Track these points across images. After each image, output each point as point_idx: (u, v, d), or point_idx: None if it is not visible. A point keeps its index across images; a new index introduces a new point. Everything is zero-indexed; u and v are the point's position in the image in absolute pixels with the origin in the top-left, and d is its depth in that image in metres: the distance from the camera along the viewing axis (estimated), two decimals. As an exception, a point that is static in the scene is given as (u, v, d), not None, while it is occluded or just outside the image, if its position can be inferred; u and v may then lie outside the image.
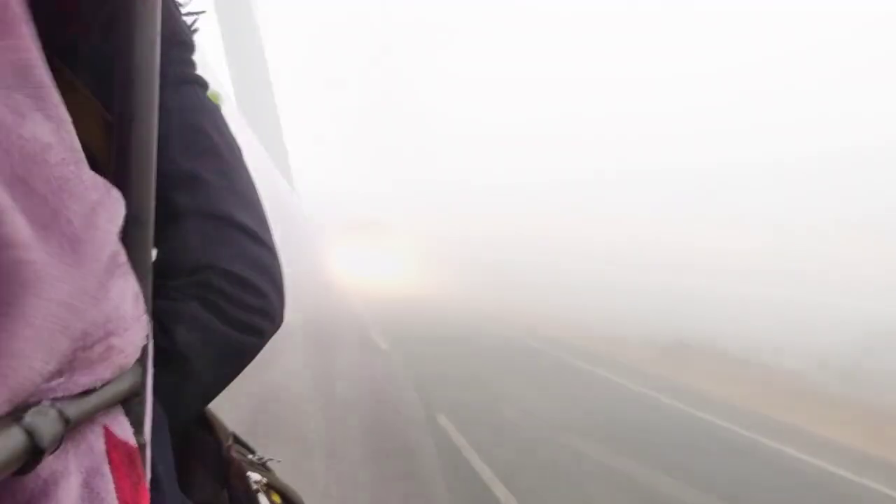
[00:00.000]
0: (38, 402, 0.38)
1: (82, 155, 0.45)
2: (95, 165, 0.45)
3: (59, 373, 0.39)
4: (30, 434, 0.35)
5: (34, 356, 0.37)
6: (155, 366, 0.54)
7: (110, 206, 0.45)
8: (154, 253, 0.72)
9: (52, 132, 0.43)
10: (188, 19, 0.76)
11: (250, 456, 0.84)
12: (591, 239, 52.56)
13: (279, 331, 0.77)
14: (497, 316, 19.54)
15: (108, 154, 0.51)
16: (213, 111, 0.76)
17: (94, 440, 0.44)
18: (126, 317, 0.45)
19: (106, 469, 0.44)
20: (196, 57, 0.76)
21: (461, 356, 11.86)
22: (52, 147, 0.42)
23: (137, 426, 0.49)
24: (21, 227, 0.37)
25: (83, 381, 0.41)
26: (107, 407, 0.45)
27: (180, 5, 0.77)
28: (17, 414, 0.36)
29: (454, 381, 9.55)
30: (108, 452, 0.45)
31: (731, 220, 58.58)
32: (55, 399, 0.39)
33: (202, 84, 0.76)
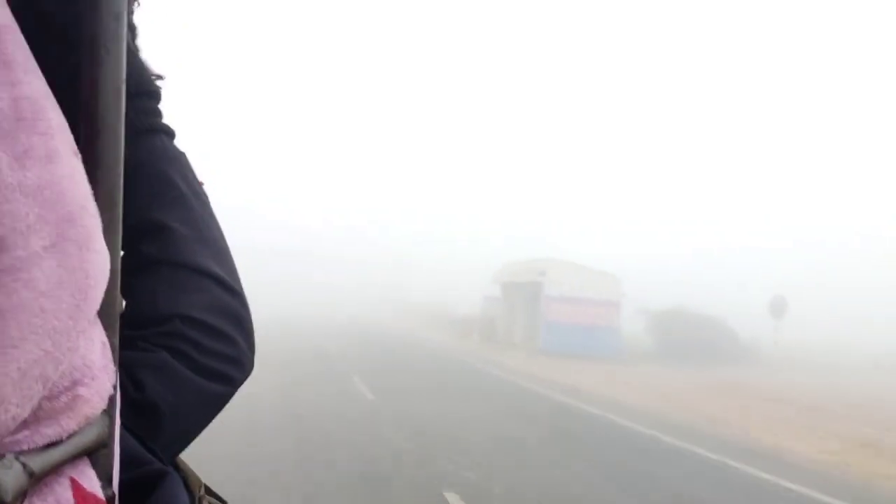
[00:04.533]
0: (1, 456, 0.37)
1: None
2: None
3: (24, 424, 0.39)
4: None
5: (13, 402, 0.36)
6: (125, 417, 0.53)
7: (108, 270, 0.46)
8: (122, 304, 0.72)
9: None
10: (154, 69, 0.77)
11: None
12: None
13: None
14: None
15: None
16: (179, 160, 0.76)
17: (61, 492, 0.43)
18: (93, 366, 0.45)
19: None
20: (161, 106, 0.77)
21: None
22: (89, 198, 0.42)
23: (105, 478, 0.48)
24: (48, 275, 0.37)
25: (48, 432, 0.41)
26: (73, 458, 0.44)
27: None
28: None
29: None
30: None
31: None
32: (20, 452, 0.38)
33: (169, 133, 0.76)
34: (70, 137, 0.45)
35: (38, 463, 0.39)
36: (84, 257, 0.41)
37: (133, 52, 0.73)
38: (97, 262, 0.42)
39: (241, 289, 0.76)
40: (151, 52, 0.77)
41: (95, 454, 0.47)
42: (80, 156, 0.46)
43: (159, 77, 0.78)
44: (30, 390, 0.37)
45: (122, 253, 0.71)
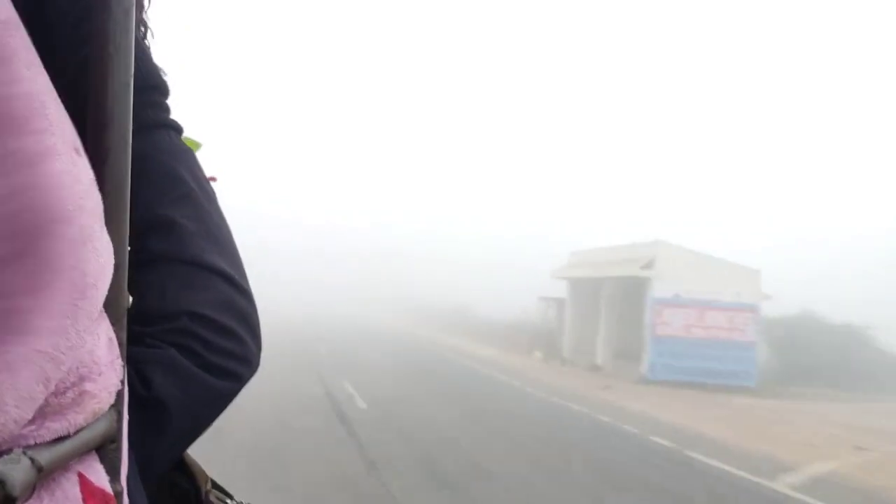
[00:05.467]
0: (9, 451, 0.37)
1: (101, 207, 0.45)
2: None
3: (31, 420, 0.39)
4: (1, 483, 0.34)
5: (10, 403, 0.36)
6: (132, 413, 0.53)
7: (111, 269, 0.45)
8: (130, 300, 0.72)
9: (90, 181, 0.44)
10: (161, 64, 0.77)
11: (229, 501, 0.82)
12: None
13: None
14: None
15: None
16: (187, 155, 0.76)
17: (69, 487, 0.43)
18: (99, 362, 0.45)
19: None
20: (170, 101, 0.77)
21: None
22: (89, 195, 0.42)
23: (113, 473, 0.48)
24: (31, 275, 0.37)
25: (55, 427, 0.40)
26: (81, 453, 0.44)
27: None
28: None
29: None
30: (84, 500, 0.44)
31: None
32: (27, 447, 0.38)
33: (176, 128, 0.76)
34: (71, 134, 0.44)
35: (45, 457, 0.39)
36: (80, 256, 0.40)
37: (141, 46, 0.73)
38: (96, 261, 0.42)
39: (248, 285, 0.76)
40: (154, 55, 0.77)
41: (104, 449, 0.47)
42: (82, 152, 0.45)
43: (164, 74, 0.77)
44: (29, 391, 0.37)
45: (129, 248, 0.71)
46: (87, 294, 0.40)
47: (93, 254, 0.41)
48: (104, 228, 0.45)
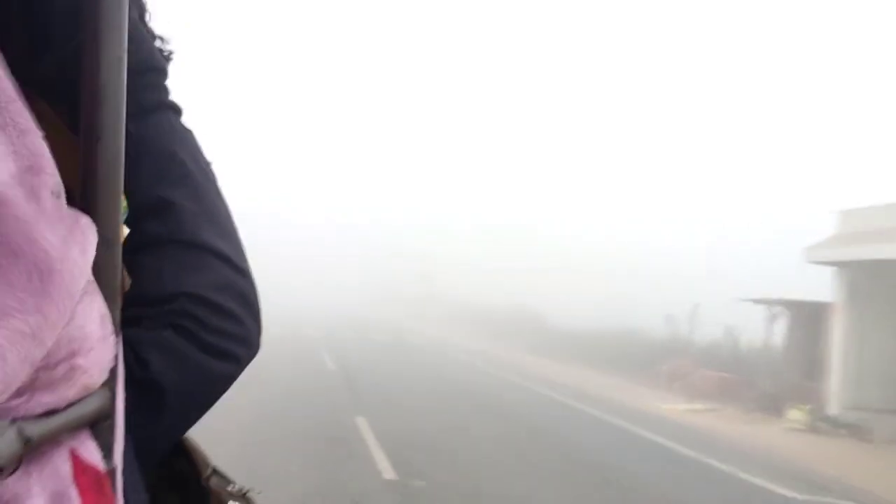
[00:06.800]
0: None
1: (61, 184, 0.44)
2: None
3: (19, 392, 0.39)
4: None
5: None
6: (129, 394, 0.52)
7: (81, 236, 0.45)
8: (128, 281, 0.72)
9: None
10: (163, 45, 0.76)
11: (230, 487, 0.82)
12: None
13: None
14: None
15: (75, 175, 0.50)
16: (187, 136, 0.76)
17: (60, 463, 0.43)
18: (91, 337, 0.45)
19: (73, 492, 0.43)
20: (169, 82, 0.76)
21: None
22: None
23: (106, 450, 0.48)
24: None
25: (45, 400, 0.40)
26: (72, 429, 0.44)
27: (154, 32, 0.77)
28: None
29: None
30: (75, 476, 0.44)
31: None
32: (16, 418, 0.38)
33: (176, 110, 0.76)
34: (21, 110, 0.43)
35: (35, 430, 0.39)
36: (31, 238, 0.40)
37: (140, 28, 0.72)
38: (54, 239, 0.41)
39: (248, 267, 0.76)
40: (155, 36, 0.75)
41: (97, 426, 0.47)
42: (36, 131, 0.44)
43: (168, 55, 0.77)
44: (12, 371, 0.37)
45: (127, 230, 0.71)
46: (53, 273, 0.40)
47: (46, 234, 0.40)
48: (61, 203, 0.44)
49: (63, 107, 0.65)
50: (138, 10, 0.74)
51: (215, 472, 0.81)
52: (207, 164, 0.77)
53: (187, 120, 0.78)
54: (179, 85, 0.78)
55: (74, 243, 0.43)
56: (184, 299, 0.69)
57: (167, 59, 0.77)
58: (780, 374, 15.69)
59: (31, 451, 0.39)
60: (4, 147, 0.40)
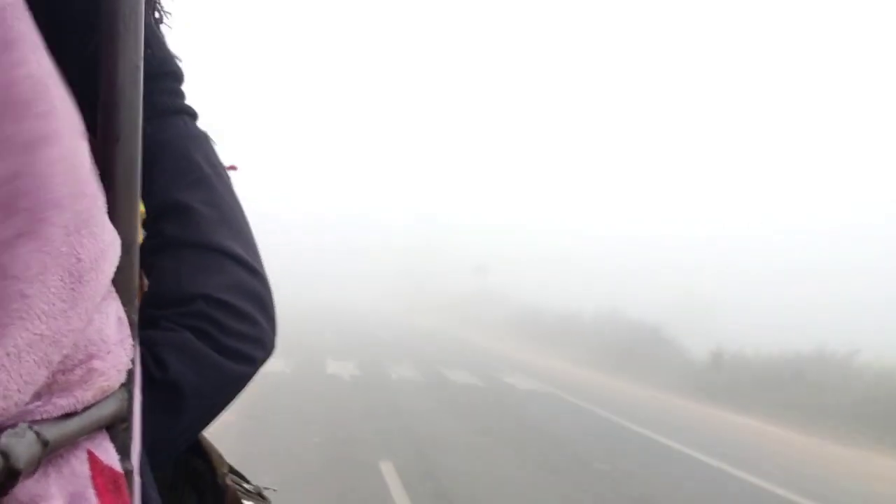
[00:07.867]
0: (14, 425, 0.37)
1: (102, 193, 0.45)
2: None
3: (37, 395, 0.39)
4: (5, 455, 0.34)
5: (10, 385, 0.36)
6: (146, 395, 0.53)
7: (114, 252, 0.45)
8: (146, 283, 0.72)
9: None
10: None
11: (246, 485, 0.83)
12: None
13: None
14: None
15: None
16: (202, 140, 0.76)
17: (78, 465, 0.43)
18: (108, 340, 0.45)
19: (90, 494, 0.43)
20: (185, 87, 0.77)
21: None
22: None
23: (124, 452, 0.48)
24: (25, 260, 0.37)
25: (62, 403, 0.41)
26: (89, 431, 0.44)
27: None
28: None
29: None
30: (93, 478, 0.44)
31: None
32: (34, 421, 0.38)
33: (191, 114, 0.76)
34: (75, 119, 0.44)
35: (52, 433, 0.39)
36: (73, 241, 0.40)
37: (155, 33, 0.73)
38: (93, 245, 0.42)
39: (263, 269, 0.77)
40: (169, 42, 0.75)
41: (114, 428, 0.48)
42: (86, 138, 0.45)
43: (181, 59, 0.78)
44: (30, 375, 0.37)
45: (143, 233, 0.71)
46: (83, 278, 0.40)
47: (89, 239, 0.41)
48: (104, 213, 0.45)
49: (81, 110, 0.65)
50: (154, 15, 0.75)
51: (231, 470, 0.82)
52: (222, 167, 0.78)
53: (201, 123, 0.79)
54: (185, 87, 0.79)
55: (109, 255, 0.44)
56: (201, 301, 0.70)
57: (180, 61, 0.78)
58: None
59: (49, 453, 0.39)
60: None
